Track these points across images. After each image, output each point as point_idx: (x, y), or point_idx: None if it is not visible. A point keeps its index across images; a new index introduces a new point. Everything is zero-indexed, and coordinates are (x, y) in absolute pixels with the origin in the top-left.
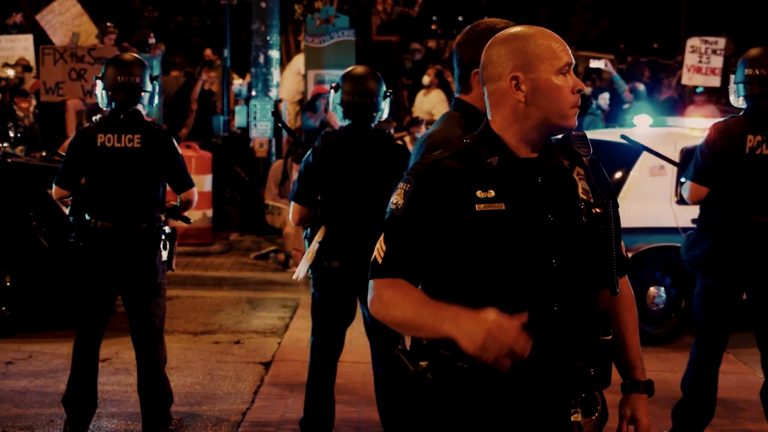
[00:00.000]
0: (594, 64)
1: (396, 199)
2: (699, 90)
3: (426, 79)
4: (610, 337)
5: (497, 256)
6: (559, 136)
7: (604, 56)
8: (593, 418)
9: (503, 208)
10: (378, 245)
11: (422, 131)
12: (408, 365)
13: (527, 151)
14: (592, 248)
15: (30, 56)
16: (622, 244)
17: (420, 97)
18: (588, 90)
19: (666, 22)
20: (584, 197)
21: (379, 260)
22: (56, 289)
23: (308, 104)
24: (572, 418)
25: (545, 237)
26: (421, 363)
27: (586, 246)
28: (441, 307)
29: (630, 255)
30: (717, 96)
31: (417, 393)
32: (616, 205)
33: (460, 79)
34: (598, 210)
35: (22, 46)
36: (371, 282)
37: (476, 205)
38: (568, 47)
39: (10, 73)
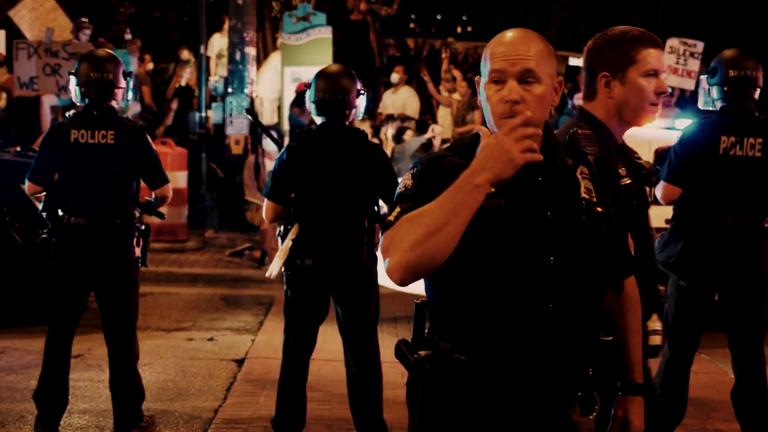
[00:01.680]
0: (573, 62)
1: (406, 182)
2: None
3: (395, 77)
4: (611, 338)
5: (495, 251)
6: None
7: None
8: (591, 417)
9: (502, 203)
10: (393, 213)
11: (394, 128)
12: (408, 355)
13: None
14: (592, 247)
15: (2, 50)
16: (631, 243)
17: (388, 94)
18: (565, 90)
19: (643, 22)
20: (586, 196)
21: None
22: (29, 284)
23: (295, 101)
24: (572, 417)
25: (543, 234)
26: (421, 352)
27: (586, 245)
28: (441, 196)
29: None
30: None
31: (415, 383)
32: (628, 205)
33: (587, 83)
34: (599, 209)
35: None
36: (382, 243)
37: None
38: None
39: None
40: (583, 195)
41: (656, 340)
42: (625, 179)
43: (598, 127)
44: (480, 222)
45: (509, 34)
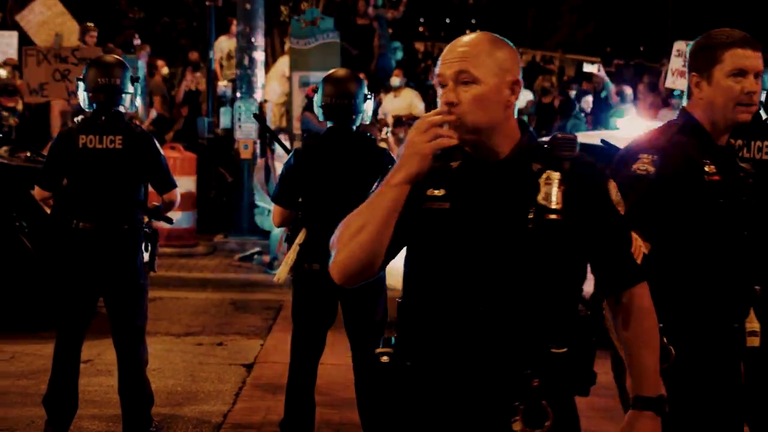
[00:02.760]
0: (588, 68)
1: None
2: (676, 93)
3: (396, 80)
4: (564, 350)
5: (438, 254)
6: (546, 138)
7: (595, 59)
8: (538, 430)
9: (447, 207)
10: None
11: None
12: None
13: (503, 155)
14: (541, 255)
15: (14, 54)
16: (640, 250)
17: (389, 98)
18: (572, 93)
19: (652, 24)
20: (543, 202)
21: None
22: (39, 289)
23: (307, 105)
24: (513, 427)
25: (484, 239)
26: (382, 350)
27: (531, 252)
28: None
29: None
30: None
31: (374, 378)
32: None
33: (687, 84)
34: (553, 216)
35: (6, 42)
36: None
37: (425, 203)
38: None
39: (2, 73)
40: (540, 201)
41: (754, 341)
42: (713, 176)
43: (694, 126)
44: (426, 225)
45: (458, 39)
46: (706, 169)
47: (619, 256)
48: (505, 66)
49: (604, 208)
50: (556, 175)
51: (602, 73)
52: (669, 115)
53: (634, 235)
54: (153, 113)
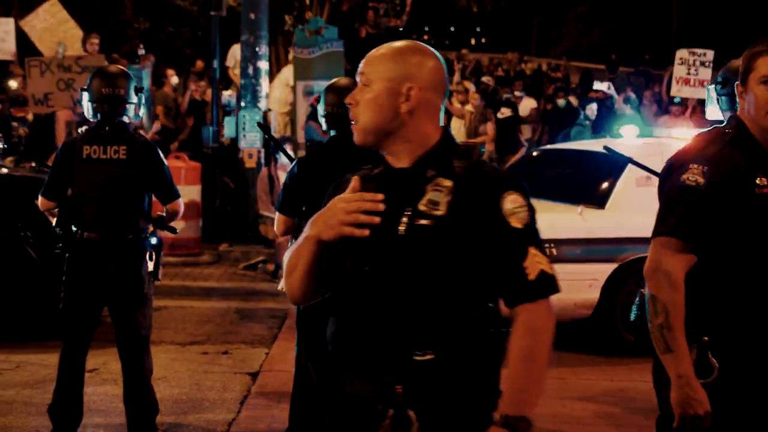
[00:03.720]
0: (598, 86)
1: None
2: (677, 101)
3: None
4: (429, 357)
5: (336, 256)
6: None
7: (600, 66)
8: None
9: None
10: None
11: None
12: None
13: (407, 161)
14: (409, 260)
15: (11, 41)
16: (536, 266)
17: None
18: (575, 101)
19: (657, 32)
20: (423, 208)
21: None
22: (44, 299)
23: (311, 115)
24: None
25: (366, 244)
26: None
27: (400, 257)
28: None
29: (614, 267)
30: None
31: None
32: (499, 225)
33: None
34: (424, 222)
35: (3, 30)
36: None
37: None
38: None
39: (13, 84)
40: (420, 207)
41: None
42: (764, 189)
43: (744, 136)
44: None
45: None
46: (758, 181)
47: (508, 270)
48: (408, 73)
49: (493, 219)
50: (447, 183)
51: (612, 91)
52: (669, 122)
53: (534, 251)
54: (157, 125)
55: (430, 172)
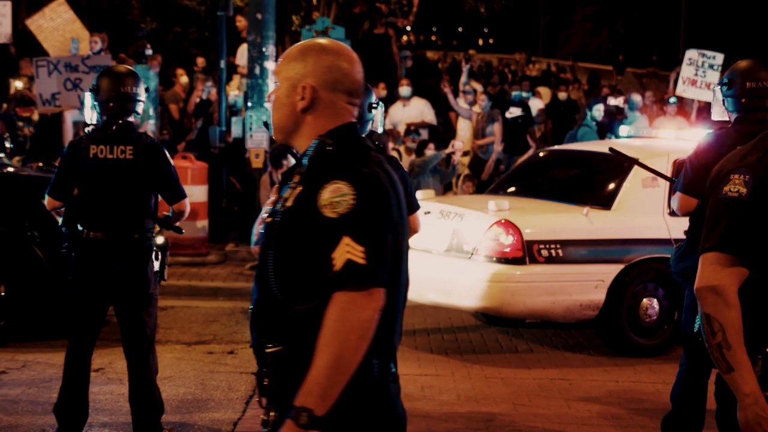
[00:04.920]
0: (612, 101)
1: None
2: (672, 101)
3: (405, 90)
4: (276, 348)
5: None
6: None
7: (608, 68)
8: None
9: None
10: None
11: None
12: None
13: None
14: (261, 258)
15: (6, 24)
16: (343, 257)
17: (398, 107)
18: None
19: (665, 33)
20: (278, 206)
21: None
22: (50, 298)
23: None
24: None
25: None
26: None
27: (263, 251)
28: None
29: (620, 268)
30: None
31: None
32: (314, 215)
33: None
34: (268, 219)
35: (0, 12)
36: None
37: None
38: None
39: (18, 84)
40: (277, 205)
41: None
42: None
43: None
44: None
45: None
46: None
47: (320, 261)
48: (305, 72)
49: (311, 209)
50: (296, 177)
51: (626, 106)
52: (666, 122)
53: (347, 240)
54: (148, 126)
55: (299, 170)
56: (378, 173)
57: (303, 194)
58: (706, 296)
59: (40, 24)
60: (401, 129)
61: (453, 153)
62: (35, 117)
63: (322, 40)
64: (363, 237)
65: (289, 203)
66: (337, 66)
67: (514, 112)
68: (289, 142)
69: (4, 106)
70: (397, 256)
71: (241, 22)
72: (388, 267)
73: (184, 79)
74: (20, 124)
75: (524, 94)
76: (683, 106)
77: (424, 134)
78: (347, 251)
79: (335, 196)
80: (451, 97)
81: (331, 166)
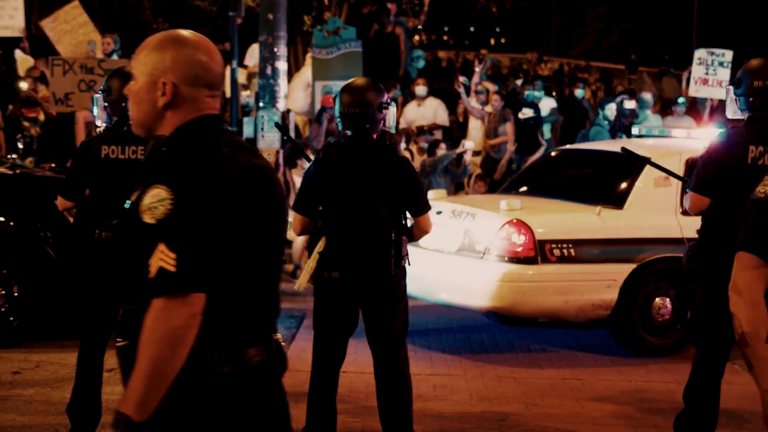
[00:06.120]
0: (628, 105)
1: None
2: (681, 101)
3: (421, 90)
4: (123, 342)
5: None
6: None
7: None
8: None
9: None
10: None
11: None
12: None
13: None
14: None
15: (19, 18)
16: (157, 264)
17: (412, 107)
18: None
19: (677, 32)
20: (133, 200)
21: None
22: (63, 299)
23: (316, 117)
24: None
25: None
26: None
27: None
28: None
29: (632, 267)
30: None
31: None
32: (135, 220)
33: None
34: (114, 221)
35: (12, 5)
36: None
37: None
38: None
39: (23, 85)
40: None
41: None
42: None
43: None
44: None
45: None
46: None
47: (140, 264)
48: (164, 67)
49: (136, 213)
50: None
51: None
52: (672, 122)
53: (162, 248)
54: None
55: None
56: (209, 174)
57: (138, 197)
58: (730, 295)
59: (54, 26)
60: (413, 130)
61: (464, 152)
62: (41, 117)
63: (180, 32)
64: (176, 244)
65: (128, 205)
66: (196, 60)
67: (526, 113)
68: (151, 136)
69: (10, 107)
70: (259, 246)
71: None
72: (206, 269)
73: None
74: (26, 124)
75: (536, 94)
76: (694, 105)
77: (437, 134)
78: (160, 258)
79: (154, 201)
80: (464, 96)
81: (158, 169)
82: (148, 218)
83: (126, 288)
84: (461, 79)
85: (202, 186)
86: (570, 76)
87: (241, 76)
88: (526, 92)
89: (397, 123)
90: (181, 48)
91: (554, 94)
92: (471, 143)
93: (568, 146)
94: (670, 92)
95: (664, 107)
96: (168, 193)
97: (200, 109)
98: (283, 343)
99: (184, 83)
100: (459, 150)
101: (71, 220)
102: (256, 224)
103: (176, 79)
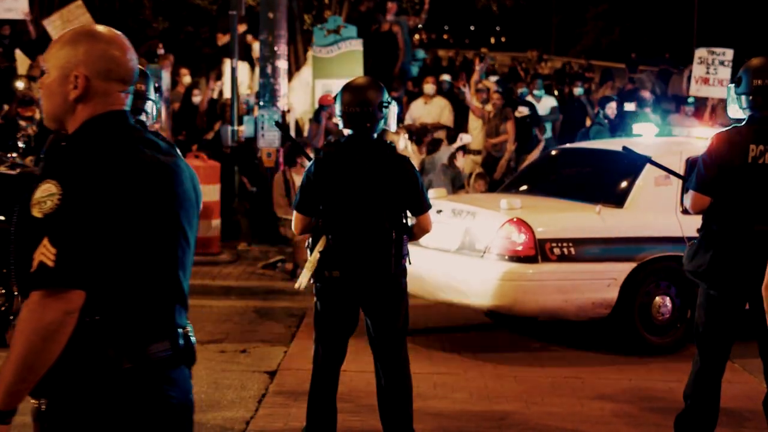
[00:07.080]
0: (628, 107)
1: None
2: (690, 100)
3: (429, 88)
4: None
5: None
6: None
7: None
8: None
9: None
10: None
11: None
12: None
13: None
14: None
15: (25, 6)
16: (38, 258)
17: (419, 105)
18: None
19: (678, 31)
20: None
21: None
22: None
23: (314, 116)
24: None
25: None
26: None
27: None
28: None
29: (633, 266)
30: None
31: None
32: (23, 214)
33: None
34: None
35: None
36: None
37: None
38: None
39: (20, 85)
40: None
41: None
42: None
43: None
44: None
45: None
46: None
47: (27, 257)
48: (77, 60)
49: (27, 207)
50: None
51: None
52: (678, 120)
53: (45, 242)
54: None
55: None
56: (102, 171)
57: (30, 190)
58: (764, 295)
59: (57, 25)
60: (419, 125)
61: (460, 149)
62: (37, 116)
63: (94, 27)
64: (59, 239)
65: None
66: (110, 54)
67: (522, 111)
68: (62, 129)
69: (6, 107)
70: (156, 244)
71: (221, 39)
72: (87, 267)
73: (186, 79)
74: (23, 123)
75: (536, 92)
76: (703, 104)
77: (440, 134)
78: (42, 252)
79: (44, 196)
80: (467, 94)
81: (53, 163)
82: (36, 212)
83: (20, 281)
84: (461, 83)
85: (93, 183)
86: (573, 75)
87: (242, 74)
88: (519, 90)
89: (402, 119)
90: (95, 42)
91: (555, 93)
92: (468, 137)
93: (568, 145)
94: (678, 91)
95: (677, 106)
96: (57, 189)
97: (111, 103)
98: (192, 337)
99: (97, 77)
100: (456, 144)
101: None
102: (153, 221)
103: (89, 73)
